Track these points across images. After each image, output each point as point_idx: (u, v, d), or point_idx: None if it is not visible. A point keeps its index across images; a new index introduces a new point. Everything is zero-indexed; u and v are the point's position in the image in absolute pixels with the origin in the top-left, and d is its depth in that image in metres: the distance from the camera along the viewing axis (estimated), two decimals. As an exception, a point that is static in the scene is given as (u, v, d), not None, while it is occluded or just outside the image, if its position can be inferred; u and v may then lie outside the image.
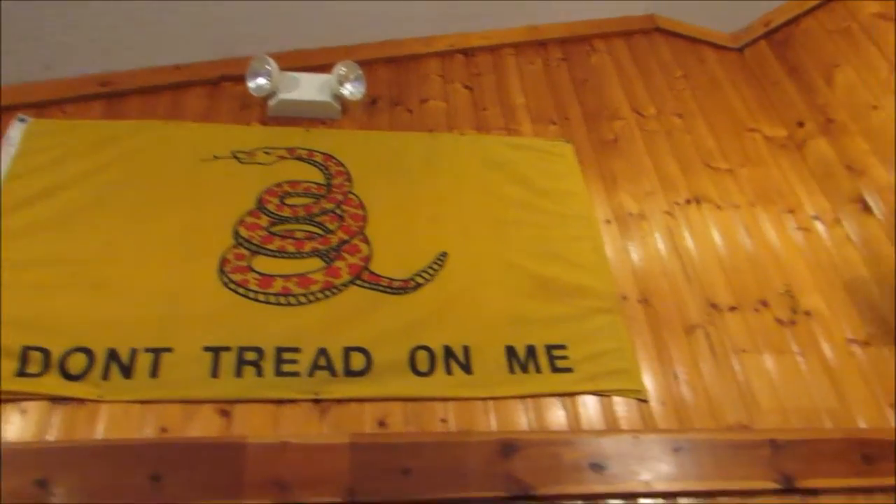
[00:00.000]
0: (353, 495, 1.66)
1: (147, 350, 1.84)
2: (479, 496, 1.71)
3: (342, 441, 1.74)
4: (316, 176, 2.38)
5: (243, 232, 2.15)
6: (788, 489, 1.84)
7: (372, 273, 2.13)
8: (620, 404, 1.97)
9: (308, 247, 2.16)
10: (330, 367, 1.89)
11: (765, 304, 2.29)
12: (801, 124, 2.92)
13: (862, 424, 2.04)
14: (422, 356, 1.96)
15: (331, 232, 2.22)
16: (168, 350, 1.84)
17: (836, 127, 2.79)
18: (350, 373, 1.89)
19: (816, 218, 2.61)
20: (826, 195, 2.69)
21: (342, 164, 2.43)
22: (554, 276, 2.22)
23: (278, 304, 2.00)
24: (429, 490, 1.69)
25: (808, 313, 2.30)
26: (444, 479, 1.72)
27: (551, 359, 2.02)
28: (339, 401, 1.84)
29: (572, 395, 1.96)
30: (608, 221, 2.45)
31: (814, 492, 1.86)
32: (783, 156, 2.84)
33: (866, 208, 2.57)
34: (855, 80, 2.82)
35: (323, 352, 1.91)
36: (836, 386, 2.12)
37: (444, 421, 1.85)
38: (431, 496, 1.69)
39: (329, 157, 2.45)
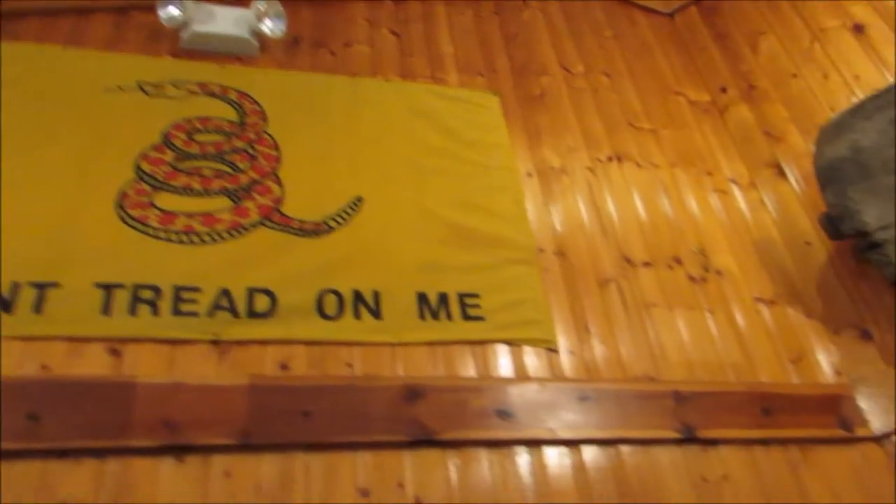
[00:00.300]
0: (249, 437, 1.59)
1: (31, 284, 1.72)
2: (382, 440, 1.67)
3: (240, 383, 1.67)
4: (228, 113, 2.27)
5: (146, 166, 2.03)
6: (689, 439, 1.87)
7: (282, 215, 2.04)
8: (530, 354, 1.95)
9: (216, 185, 2.06)
10: (232, 309, 1.81)
11: (678, 261, 2.31)
12: (724, 90, 2.95)
13: (764, 379, 2.09)
14: (330, 300, 1.90)
15: (241, 171, 2.12)
16: (55, 285, 1.73)
17: (757, 93, 2.83)
18: (253, 314, 1.82)
19: (733, 181, 2.65)
20: (744, 160, 2.73)
21: (257, 104, 2.32)
22: (471, 226, 2.19)
23: (180, 242, 1.90)
24: (329, 433, 1.65)
25: (719, 272, 2.33)
26: (346, 422, 1.67)
27: (463, 307, 1.99)
28: (239, 343, 1.77)
29: (483, 343, 1.93)
30: (530, 175, 2.42)
31: (713, 442, 1.90)
32: (705, 120, 2.86)
33: (781, 174, 2.62)
34: (778, 48, 2.85)
35: (225, 293, 1.83)
36: (741, 342, 2.16)
37: (349, 366, 1.80)
38: (332, 439, 1.64)
39: (244, 95, 2.33)
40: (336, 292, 1.91)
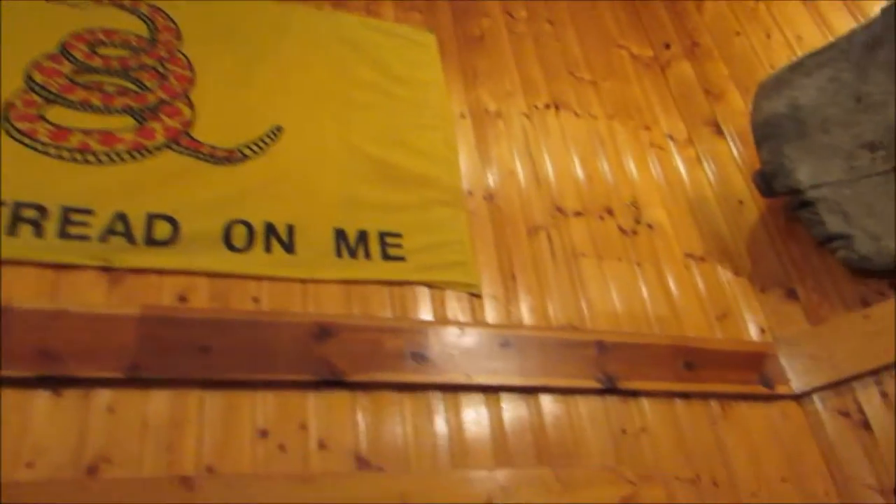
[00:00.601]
0: (137, 371, 1.45)
1: None
2: (286, 379, 1.55)
3: (130, 313, 1.52)
4: (138, 28, 2.07)
5: (38, 76, 1.83)
6: (610, 389, 1.81)
7: (192, 139, 1.88)
8: (452, 298, 1.86)
9: (118, 103, 1.88)
10: (128, 234, 1.65)
11: (610, 212, 2.25)
12: (667, 46, 2.88)
13: (689, 334, 2.05)
14: (239, 231, 1.76)
15: (148, 90, 1.94)
16: (-78, 197, 1.54)
17: (700, 51, 2.77)
18: (152, 242, 1.66)
19: (670, 137, 2.59)
20: (682, 117, 2.68)
21: (172, 21, 2.13)
22: (398, 164, 2.07)
23: (73, 160, 1.72)
24: (229, 370, 1.52)
25: (650, 226, 2.28)
26: (248, 359, 1.54)
27: (384, 246, 1.88)
28: (134, 271, 1.61)
29: (402, 284, 1.83)
30: (463, 116, 2.31)
31: (634, 393, 1.85)
32: (646, 75, 2.80)
33: (719, 132, 2.58)
34: (723, 6, 2.80)
35: (121, 217, 1.67)
36: (668, 296, 2.12)
37: (255, 301, 1.67)
38: (231, 376, 1.52)
39: (157, 10, 2.14)
40: (246, 223, 1.77)
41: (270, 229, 1.79)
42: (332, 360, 1.60)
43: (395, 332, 1.70)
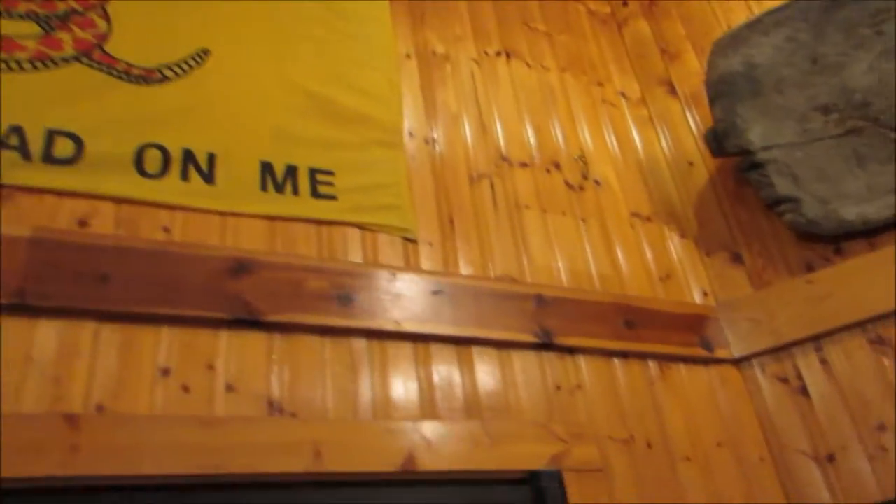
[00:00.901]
0: (23, 297, 1.30)
1: None
2: (194, 315, 1.41)
3: (19, 234, 1.35)
4: (51, -69, 1.87)
5: (-72, -29, 1.63)
6: (546, 344, 1.72)
7: (105, 54, 1.70)
8: (384, 241, 1.74)
9: (22, 7, 1.68)
10: (22, 149, 1.48)
11: (557, 166, 2.15)
12: (625, 3, 2.79)
13: (631, 293, 1.98)
14: (153, 155, 1.60)
15: (58, -2, 1.75)
16: None
17: (658, 9, 2.68)
18: (51, 159, 1.49)
19: (623, 95, 2.51)
20: (637, 75, 2.59)
21: (91, -72, 1.94)
22: (335, 100, 1.93)
23: (-36, 67, 1.54)
24: (129, 302, 1.37)
25: (597, 182, 2.19)
26: (153, 292, 1.40)
27: (314, 183, 1.75)
28: (27, 189, 1.44)
29: (331, 223, 1.70)
30: (409, 56, 2.17)
31: (571, 350, 1.77)
32: (602, 31, 2.70)
33: (672, 92, 2.50)
34: (684, -36, 2.71)
35: (17, 130, 1.49)
36: (611, 254, 2.04)
37: (166, 230, 1.52)
38: (132, 309, 1.37)
39: (75, -85, 1.94)
40: (161, 148, 1.61)
41: (189, 156, 1.64)
42: (248, 299, 1.47)
43: (319, 272, 1.58)
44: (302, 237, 1.65)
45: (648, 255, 2.10)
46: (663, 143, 2.40)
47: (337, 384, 1.48)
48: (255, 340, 1.45)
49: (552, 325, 1.76)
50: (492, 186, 1.99)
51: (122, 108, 1.64)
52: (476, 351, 1.66)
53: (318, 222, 1.69)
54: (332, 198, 1.74)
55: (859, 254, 1.95)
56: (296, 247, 1.63)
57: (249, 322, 1.45)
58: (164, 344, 1.38)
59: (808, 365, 1.91)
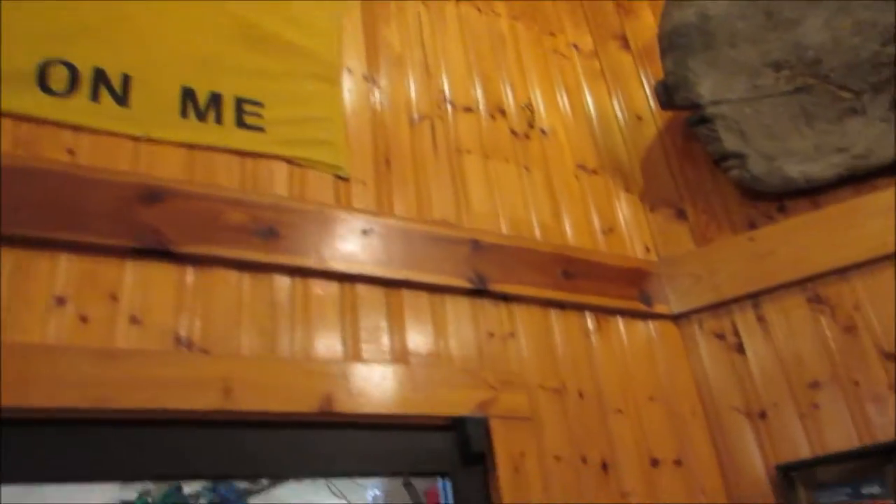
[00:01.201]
0: None
1: None
2: (97, 242, 1.31)
3: None
4: None
5: None
6: (479, 290, 1.66)
7: (12, -38, 1.56)
8: (314, 177, 1.65)
9: None
10: None
11: (503, 113, 2.07)
12: (583, -46, 2.70)
13: (572, 244, 1.93)
14: (59, 72, 1.47)
15: None
16: None
17: (615, -38, 2.61)
18: (-58, 70, 1.36)
19: (575, 47, 2.43)
20: (590, 27, 2.52)
21: None
22: (268, 28, 1.81)
23: None
24: (23, 225, 1.26)
25: (543, 131, 2.12)
26: (51, 216, 1.28)
27: (240, 112, 1.64)
28: (-88, 100, 1.32)
29: (256, 155, 1.60)
30: (351, -9, 2.06)
31: (506, 297, 1.71)
32: (558, -18, 2.61)
33: (626, 46, 2.44)
34: (645, -82, 2.64)
35: None
36: (554, 204, 1.98)
37: (71, 153, 1.40)
38: (25, 232, 1.26)
39: None
40: (69, 65, 1.48)
41: (100, 76, 1.51)
42: (159, 228, 1.37)
43: (240, 204, 1.48)
44: (223, 168, 1.55)
45: (592, 207, 2.04)
46: (613, 97, 2.34)
47: (255, 321, 1.40)
48: (164, 272, 1.36)
49: (488, 272, 1.69)
50: (433, 129, 1.91)
51: (23, 19, 1.50)
52: (406, 294, 1.59)
53: (242, 154, 1.59)
54: (260, 129, 1.64)
55: (803, 212, 1.92)
56: (216, 178, 1.52)
57: (159, 252, 1.35)
58: (61, 271, 1.27)
59: (745, 322, 1.89)
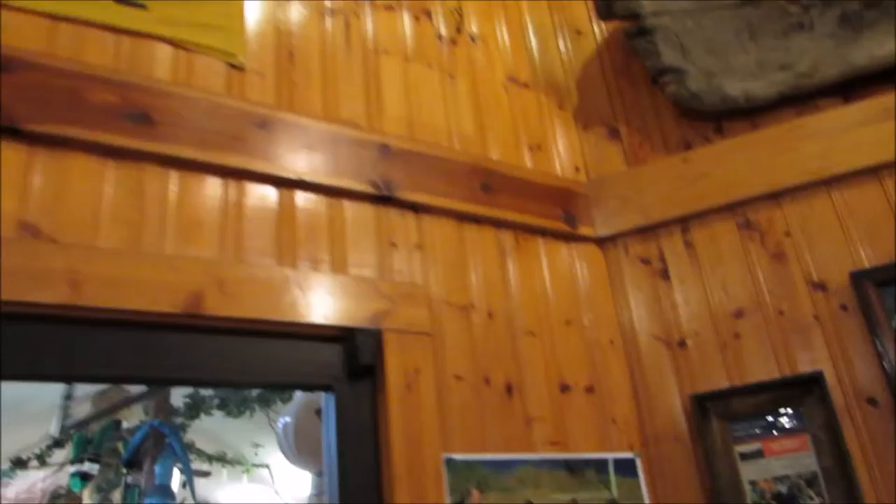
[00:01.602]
0: None
1: None
2: (-74, 111, 1.14)
3: None
4: None
5: None
6: (385, 197, 1.53)
7: None
8: (202, 63, 1.48)
9: None
10: None
11: (427, 14, 1.91)
12: None
13: (494, 157, 1.79)
14: None
15: None
16: None
17: None
18: None
19: (517, -46, 2.26)
20: (535, -65, 2.34)
21: None
22: None
23: None
24: None
25: (473, 38, 1.97)
26: None
27: (119, -15, 1.45)
28: None
29: (136, 34, 1.42)
30: None
31: (414, 206, 1.57)
32: None
33: (570, -43, 2.27)
34: None
35: None
36: (478, 115, 1.84)
37: None
38: None
39: None
40: None
41: (-52, -71, 1.31)
42: (5, 101, 1.20)
43: (109, 84, 1.31)
44: (95, 44, 1.37)
45: (519, 121, 1.91)
46: (551, 8, 2.18)
47: (116, 212, 1.25)
48: (8, 151, 1.19)
49: (396, 178, 1.56)
50: (346, 25, 1.74)
51: None
52: (301, 195, 1.45)
53: (118, 30, 1.41)
54: (141, 6, 1.46)
55: (740, 134, 1.81)
56: (84, 55, 1.34)
57: (3, 129, 1.19)
58: None
59: (672, 247, 1.79)
